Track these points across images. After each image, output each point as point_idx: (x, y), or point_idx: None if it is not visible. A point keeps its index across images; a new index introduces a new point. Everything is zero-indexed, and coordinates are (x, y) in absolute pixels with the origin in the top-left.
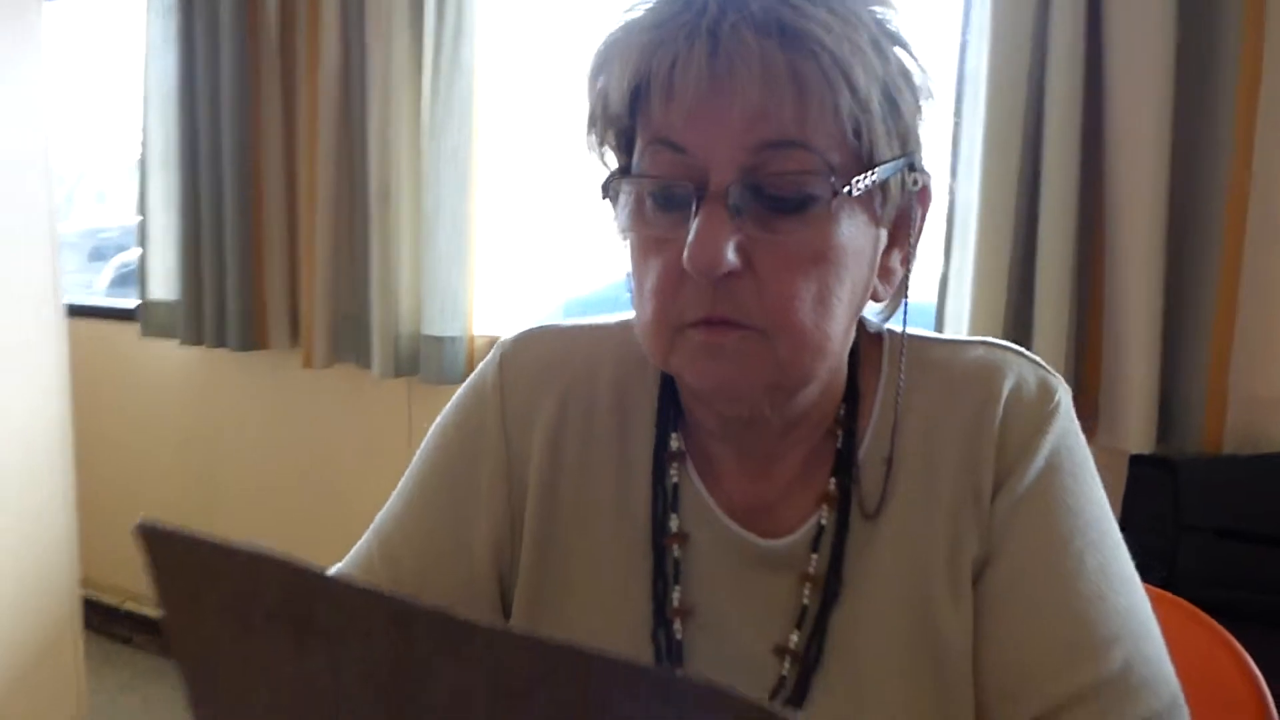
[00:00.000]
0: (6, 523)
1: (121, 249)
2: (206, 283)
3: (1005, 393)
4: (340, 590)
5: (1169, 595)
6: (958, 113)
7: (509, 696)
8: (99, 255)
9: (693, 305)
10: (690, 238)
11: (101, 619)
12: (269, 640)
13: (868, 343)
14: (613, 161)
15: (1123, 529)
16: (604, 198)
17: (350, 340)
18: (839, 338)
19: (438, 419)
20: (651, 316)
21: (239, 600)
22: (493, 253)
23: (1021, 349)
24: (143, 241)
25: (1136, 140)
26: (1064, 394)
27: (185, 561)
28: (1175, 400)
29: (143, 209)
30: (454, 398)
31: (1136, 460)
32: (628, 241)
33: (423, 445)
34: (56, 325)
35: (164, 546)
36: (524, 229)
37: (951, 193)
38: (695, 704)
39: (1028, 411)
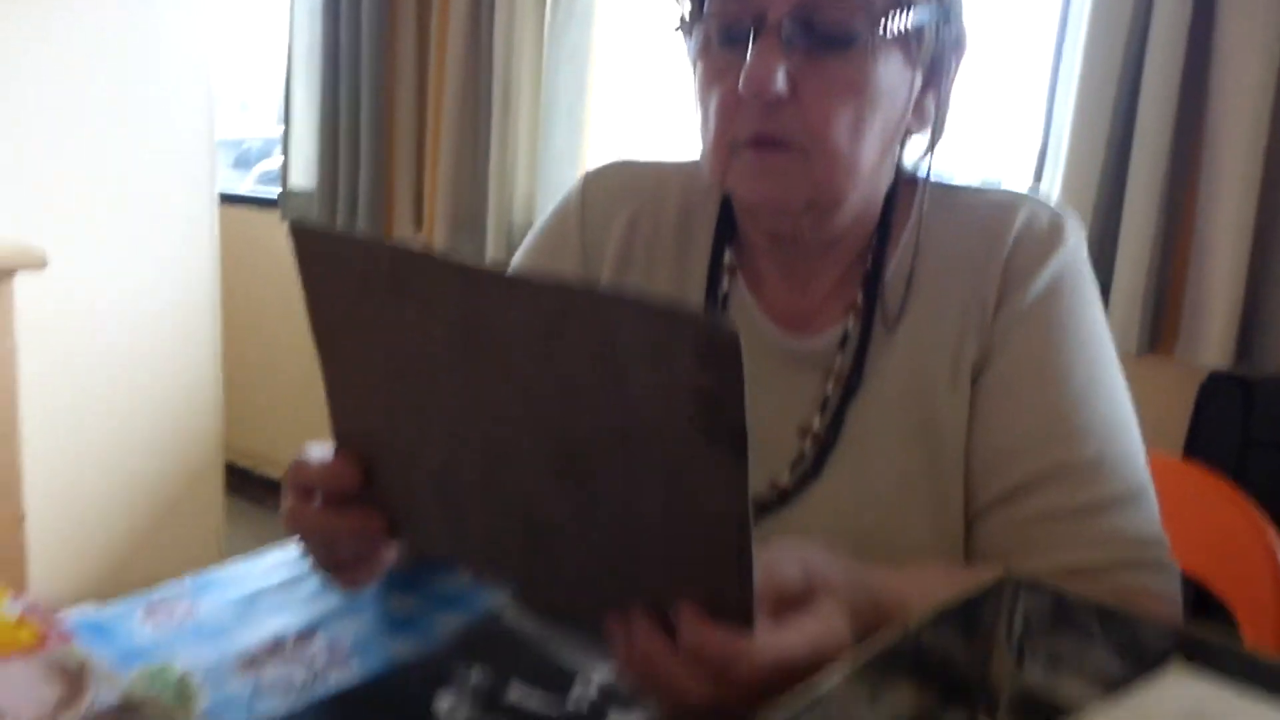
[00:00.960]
0: (160, 392)
1: (263, 157)
2: (342, 174)
3: (1018, 225)
4: (429, 259)
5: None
6: (1062, 24)
7: (549, 335)
8: (241, 163)
9: (746, 124)
10: (746, 64)
11: (239, 482)
12: (380, 304)
13: (904, 186)
14: (687, 6)
15: (1190, 443)
16: (676, 30)
17: (468, 227)
18: (870, 163)
19: (528, 235)
20: (712, 138)
21: (360, 275)
22: (605, 150)
23: (1043, 198)
24: (286, 134)
25: (1240, 59)
26: (1074, 232)
27: (323, 248)
28: (1258, 320)
29: (287, 105)
30: (543, 216)
31: (1212, 378)
32: (696, 76)
33: (515, 255)
34: (210, 211)
35: (307, 238)
36: (636, 128)
37: (1049, 109)
38: (667, 319)
39: (1036, 241)
